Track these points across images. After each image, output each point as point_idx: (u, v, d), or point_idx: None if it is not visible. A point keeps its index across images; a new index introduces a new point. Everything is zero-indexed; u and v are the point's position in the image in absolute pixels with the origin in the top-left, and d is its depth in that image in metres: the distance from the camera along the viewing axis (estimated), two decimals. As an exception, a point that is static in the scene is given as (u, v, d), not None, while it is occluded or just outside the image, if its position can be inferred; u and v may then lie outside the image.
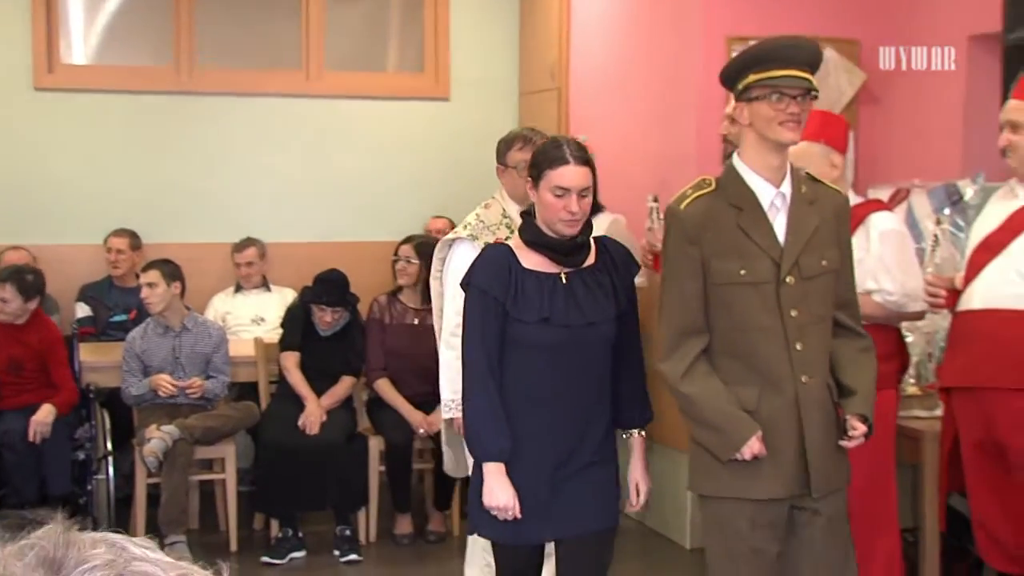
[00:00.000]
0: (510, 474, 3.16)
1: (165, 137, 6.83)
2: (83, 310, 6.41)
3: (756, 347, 3.20)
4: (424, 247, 5.82)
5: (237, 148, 6.93)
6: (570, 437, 3.23)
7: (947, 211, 4.56)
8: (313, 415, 5.55)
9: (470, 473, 3.37)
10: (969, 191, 4.70)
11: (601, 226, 5.68)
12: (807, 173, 3.37)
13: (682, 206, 3.27)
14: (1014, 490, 3.78)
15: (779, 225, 3.22)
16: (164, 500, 5.32)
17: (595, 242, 3.33)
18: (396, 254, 5.91)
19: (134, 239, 6.55)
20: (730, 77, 3.30)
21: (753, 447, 3.18)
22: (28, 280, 5.57)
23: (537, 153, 3.26)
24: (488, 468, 3.16)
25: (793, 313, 3.18)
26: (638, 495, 3.45)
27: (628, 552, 5.61)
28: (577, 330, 3.20)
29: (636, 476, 3.46)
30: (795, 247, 3.19)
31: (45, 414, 5.39)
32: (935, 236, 4.19)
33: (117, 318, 6.37)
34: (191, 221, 6.80)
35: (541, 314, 3.16)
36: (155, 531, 5.24)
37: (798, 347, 3.18)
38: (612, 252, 3.35)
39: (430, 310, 5.78)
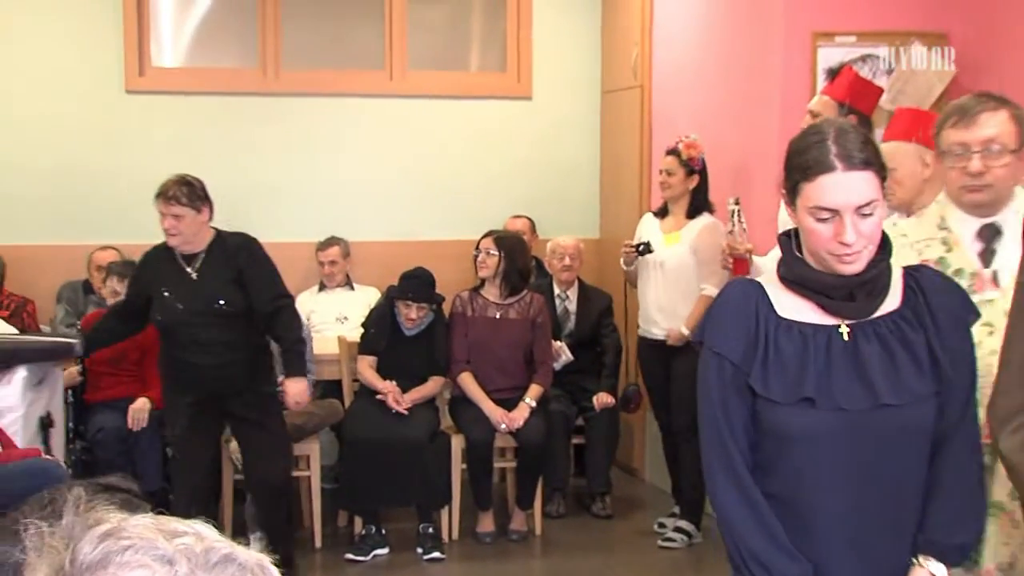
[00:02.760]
0: None
1: (251, 137, 6.92)
2: (172, 308, 6.52)
3: None
4: (503, 240, 5.84)
5: (321, 148, 7.00)
6: None
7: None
8: (393, 391, 5.59)
9: None
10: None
11: (695, 228, 5.67)
12: None
13: None
14: None
15: None
16: (250, 497, 5.39)
17: (902, 276, 2.27)
18: (477, 248, 5.93)
19: (221, 238, 6.64)
20: None
21: None
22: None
23: (790, 153, 2.23)
24: None
25: None
26: None
27: (714, 556, 5.57)
28: (863, 416, 2.15)
29: None
30: None
31: (142, 404, 5.51)
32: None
33: None
34: (276, 220, 6.88)
35: (801, 391, 2.17)
36: (242, 527, 5.32)
37: None
38: (928, 291, 2.25)
39: (511, 304, 5.81)
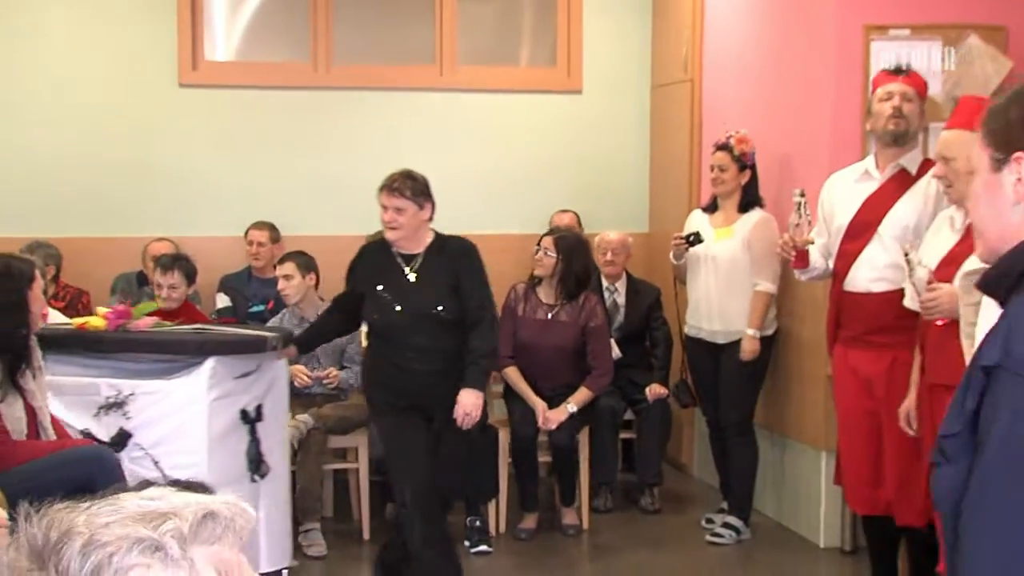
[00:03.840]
0: None
1: (302, 131, 6.97)
2: (223, 300, 6.58)
3: None
4: (563, 241, 5.80)
5: (371, 142, 7.03)
6: None
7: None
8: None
9: None
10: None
11: (749, 222, 5.63)
12: None
13: None
14: None
15: None
16: (299, 488, 5.42)
17: None
18: (539, 244, 5.89)
19: (273, 231, 6.70)
20: None
21: None
22: (188, 265, 5.77)
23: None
24: None
25: None
26: None
27: (762, 551, 5.54)
28: None
29: None
30: None
31: None
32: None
33: (255, 309, 6.51)
34: (326, 213, 6.92)
35: None
36: (291, 518, 5.36)
37: None
38: None
39: (563, 305, 5.78)
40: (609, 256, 6.29)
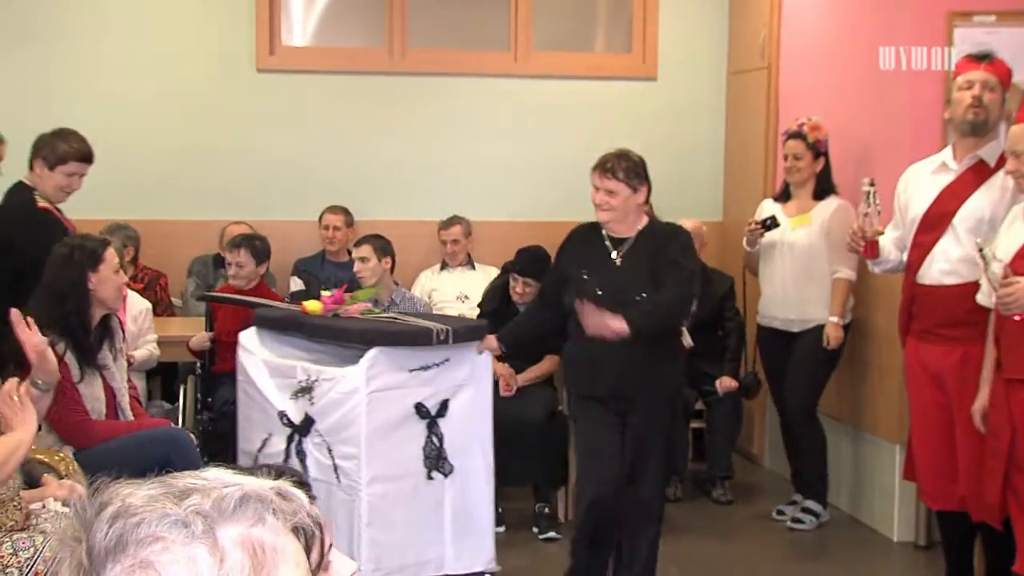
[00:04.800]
0: None
1: (377, 116, 7.01)
2: (296, 284, 6.65)
3: None
4: None
5: (445, 128, 7.05)
6: None
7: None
8: (505, 375, 5.59)
9: None
10: None
11: (827, 209, 5.57)
12: None
13: None
14: None
15: None
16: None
17: None
18: None
19: (347, 216, 6.75)
20: None
21: None
22: (258, 245, 5.84)
23: None
24: None
25: None
26: None
27: (835, 544, 5.49)
28: None
29: None
30: None
31: None
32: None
33: (328, 293, 6.55)
34: (400, 198, 6.96)
35: None
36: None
37: None
38: None
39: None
40: (685, 244, 6.25)
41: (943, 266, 4.46)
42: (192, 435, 4.50)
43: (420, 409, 4.44)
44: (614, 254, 4.38)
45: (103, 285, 4.22)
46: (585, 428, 4.49)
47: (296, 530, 1.08)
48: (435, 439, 4.48)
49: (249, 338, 4.74)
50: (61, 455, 3.81)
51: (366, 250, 5.77)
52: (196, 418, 5.62)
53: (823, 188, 5.60)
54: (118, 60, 6.75)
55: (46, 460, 3.64)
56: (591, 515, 4.38)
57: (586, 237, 4.51)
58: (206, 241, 6.68)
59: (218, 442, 5.42)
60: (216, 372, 5.71)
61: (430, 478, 4.49)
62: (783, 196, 5.74)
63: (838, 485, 5.79)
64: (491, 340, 4.58)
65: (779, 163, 6.21)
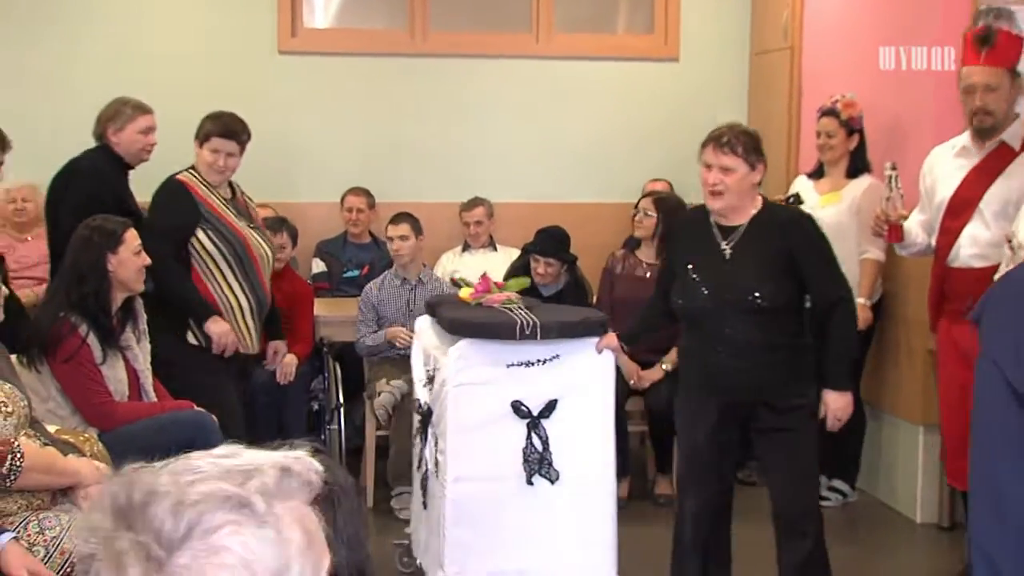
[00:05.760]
0: None
1: (399, 99, 7.00)
2: (318, 266, 6.66)
3: None
4: (664, 202, 5.78)
5: (467, 109, 7.04)
6: None
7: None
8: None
9: None
10: None
11: (859, 187, 5.53)
12: None
13: None
14: None
15: None
16: (392, 453, 5.48)
17: None
18: (636, 207, 5.89)
19: (370, 198, 6.75)
20: None
21: None
22: (293, 227, 5.88)
23: None
24: None
25: None
26: None
27: (858, 525, 5.48)
28: None
29: None
30: None
31: (291, 360, 5.58)
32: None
33: (350, 274, 6.58)
34: (422, 180, 6.96)
35: None
36: (384, 482, 5.43)
37: None
38: None
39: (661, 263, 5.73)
40: (709, 223, 6.25)
41: (972, 250, 4.44)
42: (215, 418, 4.46)
43: (519, 408, 4.03)
44: (723, 244, 3.87)
45: (123, 267, 4.23)
46: (686, 428, 4.11)
47: (317, 499, 1.10)
48: (537, 441, 4.06)
49: (421, 323, 4.54)
50: (86, 436, 3.83)
51: (405, 228, 5.77)
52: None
53: (857, 166, 5.57)
54: (140, 44, 6.76)
55: (71, 440, 3.66)
56: (697, 528, 4.05)
57: (694, 224, 3.99)
58: (229, 223, 6.69)
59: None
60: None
61: (530, 483, 4.05)
62: (817, 173, 5.71)
63: (862, 466, 5.77)
64: (611, 338, 4.10)
65: (803, 144, 6.18)
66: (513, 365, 4.03)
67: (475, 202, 6.81)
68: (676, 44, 7.18)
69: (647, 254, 5.78)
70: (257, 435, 5.54)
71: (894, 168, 4.61)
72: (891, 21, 5.66)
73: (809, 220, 3.98)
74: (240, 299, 4.91)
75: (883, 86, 5.68)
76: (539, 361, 4.06)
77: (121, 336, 4.30)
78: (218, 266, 4.86)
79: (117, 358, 4.26)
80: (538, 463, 4.05)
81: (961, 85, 4.47)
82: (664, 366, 5.59)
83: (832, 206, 5.52)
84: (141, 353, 4.39)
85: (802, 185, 5.74)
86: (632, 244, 5.90)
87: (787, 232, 3.83)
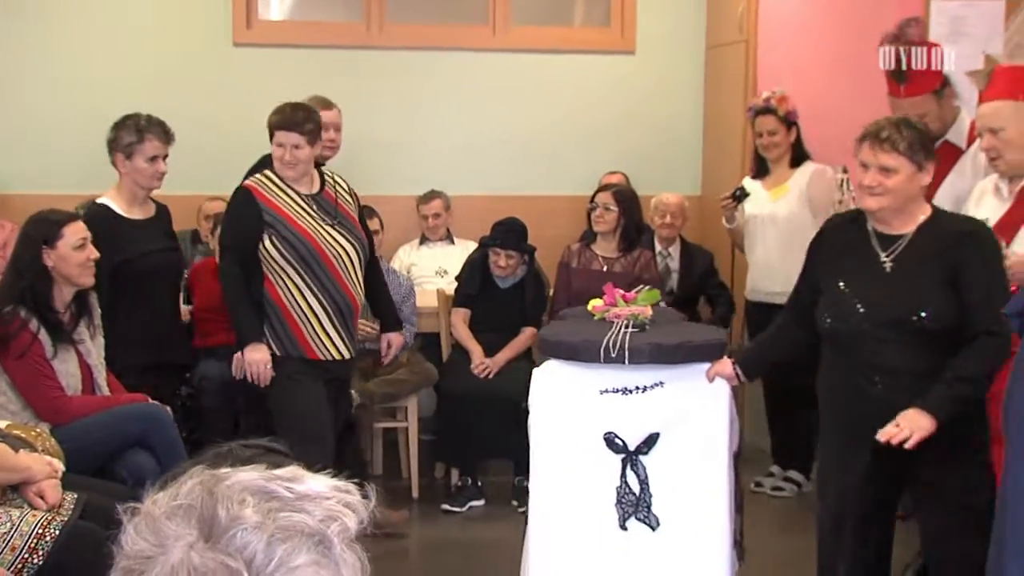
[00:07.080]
0: None
1: (355, 91, 6.95)
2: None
3: None
4: (622, 194, 5.79)
5: (424, 102, 7.02)
6: None
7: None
8: (482, 364, 5.59)
9: None
10: None
11: (805, 174, 5.58)
12: None
13: None
14: None
15: None
16: (347, 457, 5.44)
17: None
18: (592, 201, 5.84)
19: (325, 191, 6.71)
20: None
21: None
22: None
23: None
24: None
25: None
26: None
27: (813, 515, 5.51)
28: None
29: None
30: None
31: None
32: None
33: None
34: (379, 173, 6.93)
35: None
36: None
37: None
38: None
39: (618, 258, 5.76)
40: (668, 219, 6.28)
41: None
42: (170, 411, 4.45)
43: (612, 441, 3.62)
44: (884, 257, 3.41)
45: (63, 261, 4.16)
46: (830, 472, 3.64)
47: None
48: (634, 480, 3.62)
49: None
50: (38, 431, 3.79)
51: (376, 223, 5.79)
52: (174, 393, 5.58)
53: (798, 156, 5.65)
54: (91, 35, 6.69)
55: (23, 435, 3.62)
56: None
57: (846, 233, 3.51)
58: (183, 216, 6.61)
59: (195, 419, 5.40)
60: (196, 347, 5.68)
61: (623, 528, 3.62)
62: (760, 172, 5.76)
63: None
64: (725, 364, 3.67)
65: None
66: (608, 392, 3.61)
67: (432, 195, 6.79)
68: (632, 37, 7.19)
69: (604, 248, 5.78)
70: (210, 429, 5.49)
71: (845, 171, 4.66)
72: (846, 15, 5.70)
73: (989, 234, 3.42)
74: (313, 305, 4.57)
75: (837, 78, 5.72)
76: (638, 388, 3.63)
77: (75, 331, 4.24)
78: (286, 272, 4.56)
79: (69, 352, 4.21)
80: (634, 506, 3.62)
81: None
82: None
83: (782, 199, 5.58)
84: (95, 348, 4.34)
85: (749, 185, 5.79)
86: (588, 238, 5.90)
87: (962, 244, 3.31)
